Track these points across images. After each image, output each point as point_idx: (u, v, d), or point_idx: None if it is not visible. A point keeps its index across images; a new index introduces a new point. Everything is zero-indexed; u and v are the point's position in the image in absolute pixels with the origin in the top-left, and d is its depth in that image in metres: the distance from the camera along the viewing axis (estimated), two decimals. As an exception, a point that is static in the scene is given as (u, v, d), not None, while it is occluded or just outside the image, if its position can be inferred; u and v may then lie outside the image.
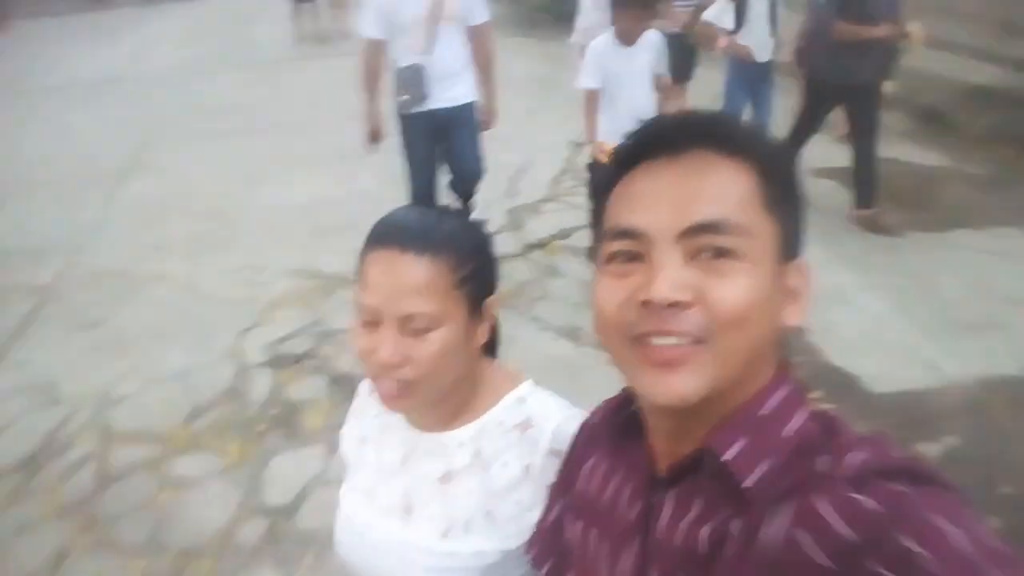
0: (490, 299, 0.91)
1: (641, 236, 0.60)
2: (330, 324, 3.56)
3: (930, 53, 5.63)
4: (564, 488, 0.81)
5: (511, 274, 3.90)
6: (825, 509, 0.52)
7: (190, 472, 2.70)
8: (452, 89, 3.55)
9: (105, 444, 2.85)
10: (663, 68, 3.51)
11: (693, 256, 0.58)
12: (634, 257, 0.61)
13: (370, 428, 1.03)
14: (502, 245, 4.20)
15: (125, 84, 7.99)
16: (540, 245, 4.18)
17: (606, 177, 0.67)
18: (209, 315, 3.71)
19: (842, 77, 4.01)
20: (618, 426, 0.72)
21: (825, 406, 2.45)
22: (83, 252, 4.45)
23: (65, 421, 2.98)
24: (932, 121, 5.31)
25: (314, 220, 4.65)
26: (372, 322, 0.84)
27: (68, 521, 2.51)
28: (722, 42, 4.40)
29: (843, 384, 2.99)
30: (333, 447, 2.78)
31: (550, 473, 0.86)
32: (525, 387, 0.96)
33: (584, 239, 3.89)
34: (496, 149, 5.42)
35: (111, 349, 3.47)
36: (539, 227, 4.37)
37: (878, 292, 3.55)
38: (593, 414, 0.82)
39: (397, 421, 0.98)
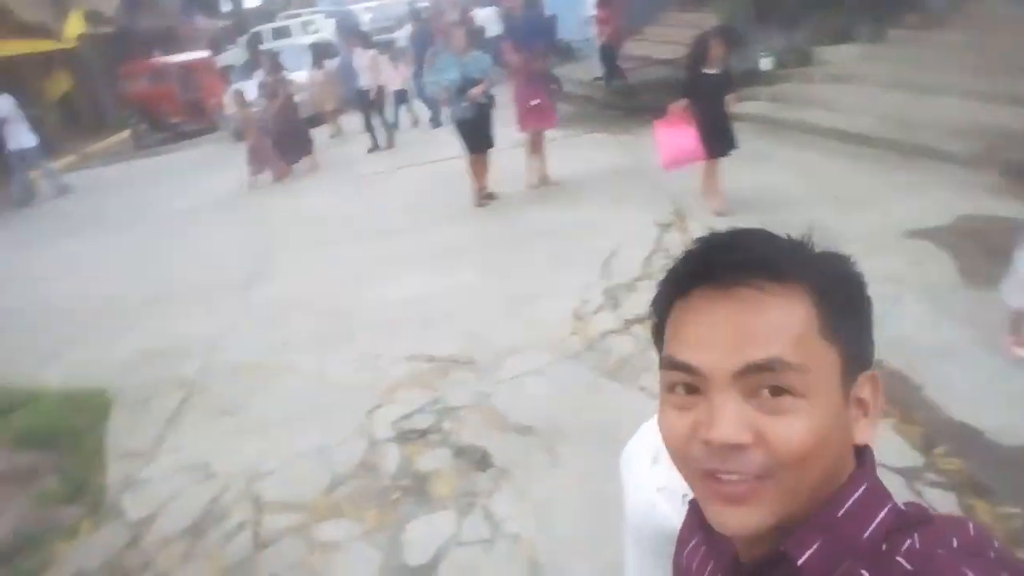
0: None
1: (698, 373, 0.61)
2: (448, 401, 3.79)
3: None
4: (676, 567, 0.84)
5: (616, 349, 4.07)
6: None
7: (334, 537, 2.92)
8: None
9: (257, 513, 3.12)
10: None
11: (751, 394, 0.59)
12: (693, 389, 0.62)
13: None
14: (603, 322, 4.40)
15: (239, 204, 8.88)
16: (639, 320, 4.35)
17: (662, 296, 0.68)
18: (337, 399, 4.02)
19: None
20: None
21: (952, 461, 2.46)
22: (220, 350, 4.93)
23: (220, 494, 3.29)
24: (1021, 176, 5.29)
25: (421, 311, 4.99)
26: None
27: (231, 582, 2.75)
28: None
29: (967, 438, 2.93)
30: (463, 511, 2.96)
31: None
32: None
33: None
34: (590, 235, 5.74)
35: (253, 431, 3.81)
36: (636, 303, 4.55)
37: (993, 347, 3.49)
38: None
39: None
